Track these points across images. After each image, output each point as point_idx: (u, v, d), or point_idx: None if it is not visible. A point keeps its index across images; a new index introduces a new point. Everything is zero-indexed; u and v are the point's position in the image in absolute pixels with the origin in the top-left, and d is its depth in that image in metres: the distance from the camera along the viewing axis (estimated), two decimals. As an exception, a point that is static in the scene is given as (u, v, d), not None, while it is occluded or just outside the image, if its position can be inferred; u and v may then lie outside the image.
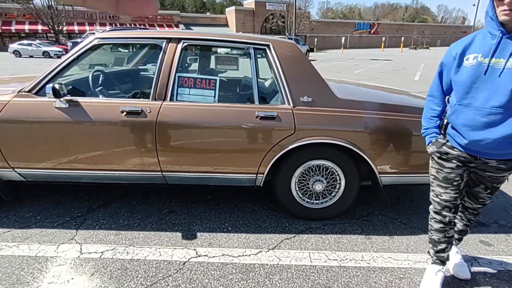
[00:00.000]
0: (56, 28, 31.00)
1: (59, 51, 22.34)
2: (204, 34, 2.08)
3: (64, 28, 32.23)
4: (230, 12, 44.15)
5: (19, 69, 13.46)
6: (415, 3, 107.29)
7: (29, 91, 1.99)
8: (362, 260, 1.84)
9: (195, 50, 3.24)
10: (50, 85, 1.85)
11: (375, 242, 2.02)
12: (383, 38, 43.50)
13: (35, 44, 22.97)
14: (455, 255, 1.76)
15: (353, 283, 1.67)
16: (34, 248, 1.88)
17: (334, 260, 1.84)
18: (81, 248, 1.89)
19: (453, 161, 1.44)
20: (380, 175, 2.09)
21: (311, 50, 25.11)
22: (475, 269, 1.79)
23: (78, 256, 1.82)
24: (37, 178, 2.14)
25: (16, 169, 2.07)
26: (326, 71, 13.57)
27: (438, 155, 1.48)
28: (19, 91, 2.00)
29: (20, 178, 2.13)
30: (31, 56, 22.60)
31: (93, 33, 2.19)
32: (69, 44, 19.96)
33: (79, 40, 20.58)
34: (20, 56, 22.70)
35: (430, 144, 1.50)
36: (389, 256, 1.88)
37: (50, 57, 22.15)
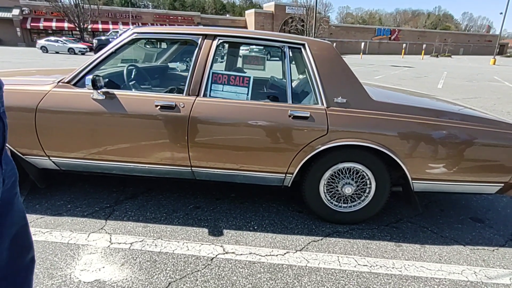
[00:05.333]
0: (82, 26, 32.07)
1: (83, 48, 23.08)
2: (239, 31, 2.09)
3: (89, 26, 33.31)
4: (250, 15, 44.46)
5: (46, 64, 13.95)
6: (438, 10, 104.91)
7: (68, 82, 2.05)
8: (393, 268, 1.79)
9: (224, 50, 3.25)
10: (90, 76, 1.89)
11: (406, 250, 1.96)
12: (404, 45, 42.70)
13: (61, 41, 23.81)
14: None
15: (385, 290, 1.62)
16: (66, 236, 1.93)
17: (364, 265, 1.80)
18: (110, 238, 1.92)
19: None
20: (412, 181, 2.03)
21: (330, 54, 24.89)
22: (514, 284, 1.70)
23: (108, 246, 1.85)
24: (70, 168, 2.19)
25: (51, 158, 2.12)
26: (346, 76, 13.42)
27: None
28: (58, 82, 2.06)
29: (54, 166, 2.19)
30: (57, 52, 23.42)
31: (117, 32, 2.23)
32: (95, 41, 20.59)
33: (103, 37, 21.19)
34: (47, 51, 23.56)
35: None
36: (422, 265, 1.82)
37: (75, 53, 22.90)
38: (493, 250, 1.99)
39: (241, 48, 3.13)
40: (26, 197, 2.33)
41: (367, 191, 2.12)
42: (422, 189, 2.09)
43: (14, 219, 1.07)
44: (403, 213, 2.40)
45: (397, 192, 2.34)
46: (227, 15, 58.07)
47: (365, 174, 2.08)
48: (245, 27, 45.27)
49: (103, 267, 1.68)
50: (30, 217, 2.08)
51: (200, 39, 2.06)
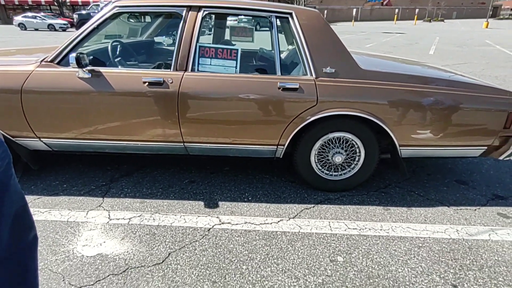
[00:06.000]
0: (60, 0, 30.33)
1: (64, 24, 22.00)
2: (225, 2, 2.02)
3: (68, 0, 31.53)
4: (237, -18, 42.43)
5: (26, 42, 13.35)
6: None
7: (52, 60, 1.99)
8: (381, 230, 1.89)
9: (210, 22, 3.16)
10: (73, 54, 1.84)
11: (393, 213, 2.06)
12: (396, 10, 41.60)
13: (39, 17, 22.61)
14: None
15: (373, 250, 1.72)
16: (65, 214, 1.97)
17: (354, 229, 1.90)
18: (109, 215, 1.97)
19: None
20: (400, 148, 2.09)
21: (321, 23, 24.20)
22: (493, 238, 1.83)
23: (107, 222, 1.91)
24: (62, 148, 2.19)
25: (42, 139, 2.12)
26: (337, 44, 13.19)
27: None
28: (41, 61, 2.00)
29: (45, 147, 2.19)
30: (36, 29, 22.32)
31: (98, 5, 2.15)
32: (75, 16, 19.60)
33: (84, 12, 20.17)
34: (25, 29, 22.44)
35: None
36: (408, 226, 1.93)
37: (55, 30, 21.86)
38: (475, 210, 2.11)
39: (229, 19, 3.04)
40: (21, 179, 2.34)
41: (356, 159, 2.18)
42: (409, 155, 2.16)
43: (13, 199, 1.10)
44: (392, 179, 2.49)
45: (386, 159, 2.41)
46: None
47: (354, 143, 2.13)
48: (233, -4, 43.38)
49: (104, 242, 1.74)
50: (27, 198, 2.11)
51: (184, 11, 2.00)
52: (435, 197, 2.25)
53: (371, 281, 1.52)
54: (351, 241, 1.80)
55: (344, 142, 2.14)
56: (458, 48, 11.82)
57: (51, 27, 22.04)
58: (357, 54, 2.53)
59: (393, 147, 2.14)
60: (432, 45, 12.72)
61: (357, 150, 2.15)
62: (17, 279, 1.19)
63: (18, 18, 22.78)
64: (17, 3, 33.39)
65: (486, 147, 2.12)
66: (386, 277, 1.55)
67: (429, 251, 1.72)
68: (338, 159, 2.14)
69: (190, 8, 2.00)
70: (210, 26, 3.12)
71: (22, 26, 22.39)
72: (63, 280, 1.49)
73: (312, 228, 1.89)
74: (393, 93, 1.95)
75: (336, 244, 1.77)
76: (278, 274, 1.56)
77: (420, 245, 1.77)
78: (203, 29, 3.25)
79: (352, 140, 2.11)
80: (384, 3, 51.93)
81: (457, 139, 2.07)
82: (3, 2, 33.05)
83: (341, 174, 2.23)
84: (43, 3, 33.26)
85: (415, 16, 36.10)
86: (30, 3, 33.48)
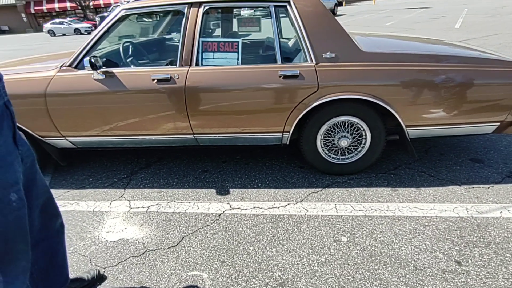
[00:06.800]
0: (83, 4, 31.55)
1: (88, 27, 22.96)
2: (224, -5, 2.08)
3: (91, 3, 32.70)
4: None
5: (55, 48, 14.11)
6: None
7: (70, 65, 2.17)
8: (387, 210, 1.92)
9: (217, 15, 3.22)
10: (87, 58, 2.00)
11: (401, 194, 2.06)
12: (422, -17, 39.07)
13: (66, 22, 23.73)
14: None
15: (378, 230, 1.76)
16: (91, 205, 2.17)
17: (359, 210, 1.94)
18: (130, 204, 2.15)
19: None
20: (407, 128, 2.08)
21: (340, 4, 23.44)
22: (504, 215, 1.79)
23: (128, 211, 2.08)
24: (85, 145, 2.39)
25: (67, 137, 2.32)
26: (355, 25, 12.74)
27: None
28: (61, 66, 2.18)
29: (71, 145, 2.40)
30: (64, 34, 23.48)
31: (118, 6, 2.28)
32: (97, 19, 20.37)
33: (106, 14, 20.87)
34: (54, 35, 23.66)
35: None
36: (415, 206, 1.93)
37: (81, 33, 22.88)
38: (488, 188, 2.06)
39: (235, 11, 3.09)
40: (53, 175, 2.59)
41: (363, 142, 2.19)
42: (417, 135, 2.14)
43: (40, 192, 1.26)
44: (402, 160, 2.47)
45: (395, 140, 2.39)
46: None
47: (360, 126, 2.14)
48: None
49: (126, 228, 1.92)
50: (58, 192, 2.34)
51: (186, 8, 2.08)
52: (447, 176, 2.22)
53: (372, 258, 1.57)
54: (356, 222, 1.84)
55: (350, 126, 2.16)
56: (488, 19, 11.01)
57: (77, 31, 23.10)
58: (362, 36, 2.50)
59: (400, 128, 2.13)
60: (459, 18, 11.93)
61: (363, 133, 2.16)
62: (48, 260, 1.36)
63: (47, 25, 24.08)
64: (45, 10, 35.16)
65: (499, 123, 2.05)
66: (388, 254, 1.59)
67: (434, 229, 1.73)
68: (344, 143, 2.17)
69: (191, 5, 2.09)
70: (217, 21, 3.19)
71: (51, 32, 23.65)
72: (90, 262, 1.68)
73: (318, 211, 1.96)
74: (396, 73, 1.93)
75: (341, 225, 1.82)
76: (282, 254, 1.65)
77: (426, 224, 1.78)
78: (213, 25, 3.34)
79: (358, 123, 2.13)
80: (408, -24, 48.85)
81: (467, 116, 2.02)
82: (33, 11, 34.93)
83: (348, 158, 2.25)
84: (69, 8, 34.76)
85: (443, -12, 33.69)
86: (57, 9, 35.13)
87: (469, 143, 2.68)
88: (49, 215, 1.34)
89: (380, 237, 1.71)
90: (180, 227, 1.90)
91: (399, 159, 2.49)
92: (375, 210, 1.93)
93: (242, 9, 3.05)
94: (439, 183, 2.15)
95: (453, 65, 1.95)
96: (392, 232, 1.74)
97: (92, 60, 1.99)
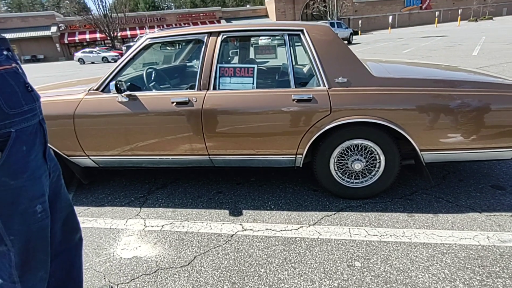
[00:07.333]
0: (112, 35, 33.82)
1: (115, 56, 24.43)
2: (241, 25, 2.22)
3: (118, 34, 34.99)
4: (270, 2, 43.83)
5: (84, 74, 15.04)
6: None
7: (97, 89, 2.33)
8: (403, 236, 1.87)
9: (236, 43, 3.40)
10: (113, 82, 2.15)
11: (418, 220, 2.01)
12: (437, 13, 39.57)
13: (95, 51, 25.40)
14: None
15: (393, 256, 1.71)
16: (108, 222, 2.23)
17: (374, 235, 1.89)
18: (145, 222, 2.20)
19: None
20: (422, 152, 2.06)
21: (355, 33, 23.97)
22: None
23: (143, 229, 2.13)
24: (106, 164, 2.50)
25: (90, 157, 2.44)
26: (371, 53, 12.93)
27: None
28: (89, 90, 2.35)
29: (93, 164, 2.51)
30: (92, 62, 25.02)
31: (143, 36, 2.47)
32: (124, 48, 21.69)
33: (131, 44, 22.22)
34: (84, 63, 25.28)
35: None
36: (432, 233, 1.87)
37: (108, 61, 24.32)
38: (511, 216, 1.98)
39: (253, 39, 3.26)
40: (75, 193, 2.70)
41: (377, 166, 2.18)
42: (433, 160, 2.11)
43: (63, 205, 1.33)
44: (418, 185, 2.42)
45: (411, 165, 2.36)
46: (248, 6, 57.70)
47: (373, 150, 2.14)
48: (266, 15, 44.76)
49: (139, 246, 1.95)
50: (79, 209, 2.43)
51: (205, 37, 2.23)
52: (466, 203, 2.15)
53: (388, 286, 1.52)
54: (370, 247, 1.80)
55: (363, 149, 2.16)
56: (507, 46, 10.91)
57: (104, 59, 24.60)
58: (374, 62, 2.56)
59: (415, 152, 2.11)
60: (477, 46, 11.89)
61: (377, 157, 2.16)
62: (65, 272, 1.41)
63: (78, 54, 25.84)
64: (77, 41, 37.89)
65: (518, 149, 2.00)
66: (404, 282, 1.54)
67: (454, 257, 1.67)
68: (358, 166, 2.17)
69: (210, 34, 2.23)
70: (235, 48, 3.36)
71: (81, 60, 25.31)
72: (104, 278, 1.71)
73: (331, 235, 1.93)
74: (407, 97, 1.96)
75: (354, 250, 1.79)
76: (294, 277, 1.62)
77: (445, 251, 1.72)
78: (231, 52, 3.52)
79: (371, 147, 2.13)
80: (424, 6, 49.71)
81: (484, 142, 1.99)
82: (66, 41, 37.72)
83: (362, 182, 2.24)
84: (98, 39, 37.34)
85: (459, 17, 33.96)
86: (88, 40, 37.80)
87: (490, 169, 2.60)
88: (70, 228, 1.40)
89: (395, 264, 1.66)
90: (193, 247, 1.91)
91: (416, 185, 2.44)
92: (391, 235, 1.88)
93: (259, 38, 3.21)
94: (457, 210, 2.08)
95: (468, 90, 1.96)
96: (408, 259, 1.68)
97: (118, 84, 2.14)
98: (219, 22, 40.59)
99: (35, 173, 1.06)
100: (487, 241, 1.77)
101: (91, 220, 2.28)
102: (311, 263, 1.71)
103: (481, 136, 1.99)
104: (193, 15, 42.67)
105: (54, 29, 37.19)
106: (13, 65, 1.00)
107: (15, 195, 1.00)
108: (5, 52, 0.99)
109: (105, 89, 2.33)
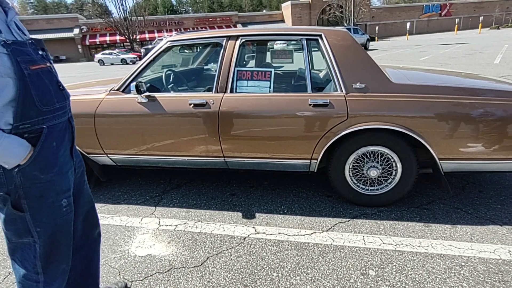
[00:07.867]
0: (131, 37, 34.70)
1: (134, 58, 25.01)
2: (259, 30, 2.24)
3: (137, 37, 35.88)
4: (286, 8, 43.97)
5: (104, 75, 15.46)
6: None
7: (118, 89, 2.40)
8: (419, 246, 1.83)
9: (252, 47, 3.44)
10: (133, 83, 2.21)
11: (435, 230, 1.96)
12: (457, 20, 38.67)
13: (114, 53, 26.07)
14: None
15: (409, 266, 1.67)
16: (124, 220, 2.28)
17: (389, 244, 1.86)
18: (159, 221, 2.23)
19: None
20: (440, 161, 2.02)
21: (372, 39, 23.74)
22: None
23: (157, 228, 2.16)
24: (124, 163, 2.56)
25: (108, 155, 2.51)
26: (388, 59, 12.76)
27: None
28: (110, 90, 2.42)
29: (111, 162, 2.58)
30: (112, 64, 25.69)
31: (162, 39, 2.53)
32: (142, 50, 22.18)
33: (150, 46, 22.72)
34: (104, 64, 25.97)
35: None
36: (450, 244, 1.82)
37: (127, 63, 24.92)
38: (535, 230, 1.90)
39: (269, 44, 3.28)
40: (92, 190, 2.77)
41: (393, 173, 2.15)
42: (452, 169, 2.06)
43: (85, 201, 1.37)
44: (436, 195, 2.37)
45: (429, 174, 2.32)
46: (264, 11, 58.11)
47: (390, 157, 2.11)
48: (282, 20, 44.92)
49: (154, 245, 1.98)
50: (96, 206, 2.48)
51: (224, 41, 2.26)
52: (486, 215, 2.08)
53: (403, 296, 1.49)
54: (385, 256, 1.77)
55: (379, 156, 2.14)
56: (532, 55, 10.56)
57: (123, 61, 25.21)
58: (393, 69, 2.53)
59: (433, 161, 2.07)
60: (499, 54, 11.55)
61: (393, 164, 2.13)
62: (84, 267, 1.45)
63: (98, 55, 26.59)
64: (98, 43, 39.06)
65: (543, 161, 1.93)
66: (420, 293, 1.50)
67: (472, 270, 1.62)
68: (374, 173, 2.14)
69: (229, 37, 2.27)
70: (252, 53, 3.39)
71: (101, 62, 26.02)
72: (119, 275, 1.74)
73: (345, 242, 1.90)
74: (427, 105, 1.92)
75: (368, 258, 1.76)
76: (307, 283, 1.61)
77: (463, 264, 1.67)
78: (248, 56, 3.56)
79: (388, 154, 2.10)
80: (443, 13, 48.72)
81: (505, 152, 1.93)
82: (87, 43, 38.94)
83: (377, 189, 2.20)
84: (118, 41, 38.36)
85: (480, 25, 33.08)
86: (108, 42, 38.91)
87: (512, 181, 2.51)
88: (90, 223, 1.44)
89: (411, 274, 1.62)
90: (206, 248, 1.93)
91: (433, 194, 2.39)
92: (406, 245, 1.84)
93: (276, 42, 3.23)
94: (477, 222, 2.02)
95: (490, 98, 1.91)
96: (424, 270, 1.64)
97: (138, 85, 2.19)
98: (235, 26, 41.00)
99: (63, 168, 1.10)
100: (508, 255, 1.71)
101: (107, 217, 2.33)
102: (324, 270, 1.69)
103: (504, 146, 1.93)
104: (210, 19, 43.27)
105: (76, 31, 38.46)
106: (47, 64, 1.05)
107: (44, 188, 1.04)
108: (40, 52, 1.04)
109: (125, 89, 2.39)
